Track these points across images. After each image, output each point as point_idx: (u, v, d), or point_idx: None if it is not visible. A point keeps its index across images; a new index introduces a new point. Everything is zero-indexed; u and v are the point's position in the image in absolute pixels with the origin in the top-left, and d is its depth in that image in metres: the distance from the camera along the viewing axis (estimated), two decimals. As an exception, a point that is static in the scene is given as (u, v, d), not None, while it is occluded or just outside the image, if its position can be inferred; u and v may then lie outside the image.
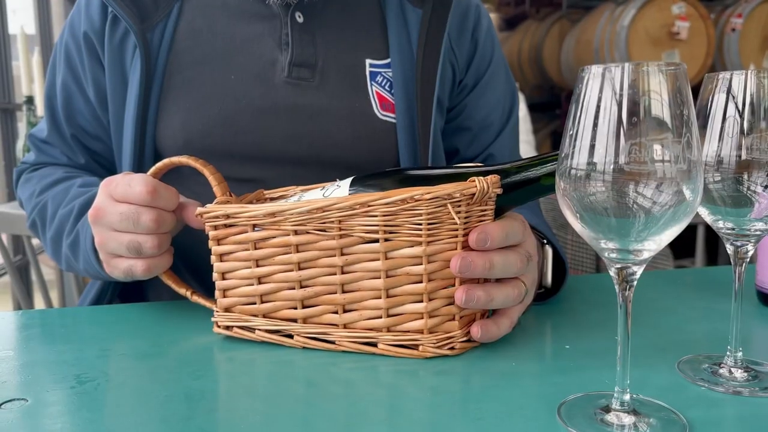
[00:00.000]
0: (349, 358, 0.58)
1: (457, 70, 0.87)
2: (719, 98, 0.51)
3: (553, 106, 5.67)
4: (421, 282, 0.55)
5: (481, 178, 0.55)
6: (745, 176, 0.50)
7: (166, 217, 0.65)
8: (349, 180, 0.62)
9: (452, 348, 0.57)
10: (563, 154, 0.43)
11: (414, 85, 0.81)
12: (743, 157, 0.50)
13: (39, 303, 2.56)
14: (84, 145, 0.86)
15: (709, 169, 0.51)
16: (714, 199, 0.51)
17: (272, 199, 0.72)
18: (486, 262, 0.55)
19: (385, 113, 0.82)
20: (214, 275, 0.63)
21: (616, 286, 0.45)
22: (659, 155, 0.40)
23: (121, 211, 0.64)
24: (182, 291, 0.69)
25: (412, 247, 0.55)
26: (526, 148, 1.75)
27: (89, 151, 0.87)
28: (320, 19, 0.82)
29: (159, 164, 0.68)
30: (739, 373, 0.53)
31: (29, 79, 1.97)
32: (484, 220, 0.57)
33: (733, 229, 0.52)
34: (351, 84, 0.81)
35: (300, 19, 0.81)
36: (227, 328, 0.63)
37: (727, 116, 0.51)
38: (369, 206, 0.55)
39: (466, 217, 0.55)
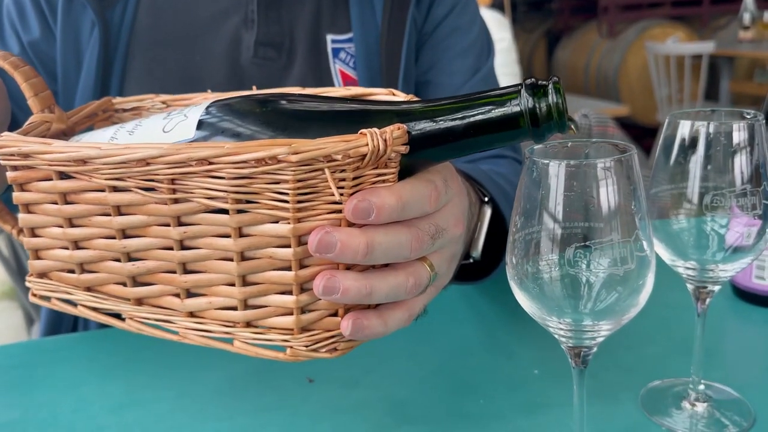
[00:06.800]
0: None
1: (418, 28, 0.81)
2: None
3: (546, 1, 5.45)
4: (289, 269, 0.39)
5: (376, 132, 0.37)
6: (709, 216, 0.49)
7: None
8: (203, 106, 0.44)
9: (334, 350, 0.42)
10: (514, 228, 0.42)
11: (378, 59, 0.78)
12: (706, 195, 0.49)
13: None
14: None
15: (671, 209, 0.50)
16: (675, 241, 0.50)
17: (124, 111, 0.59)
18: (361, 243, 0.38)
19: None
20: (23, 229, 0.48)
21: (571, 362, 0.44)
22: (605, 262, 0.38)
23: None
24: (8, 228, 0.53)
25: (277, 223, 0.39)
26: (510, 81, 1.68)
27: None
28: None
29: None
30: (701, 408, 0.53)
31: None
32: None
33: (695, 273, 0.51)
34: (317, 64, 0.78)
35: None
36: (44, 298, 0.50)
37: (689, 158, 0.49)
38: (211, 164, 0.37)
39: (354, 185, 0.39)
